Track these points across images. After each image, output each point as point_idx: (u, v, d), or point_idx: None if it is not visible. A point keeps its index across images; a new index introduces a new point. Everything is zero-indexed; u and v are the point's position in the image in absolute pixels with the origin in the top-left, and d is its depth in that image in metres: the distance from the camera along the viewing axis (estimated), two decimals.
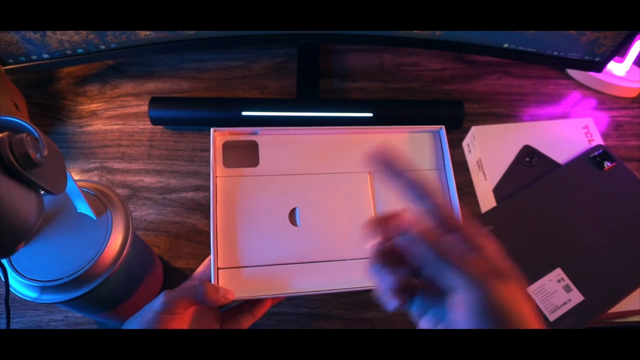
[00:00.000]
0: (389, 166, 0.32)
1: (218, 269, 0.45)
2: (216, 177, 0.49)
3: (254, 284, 0.45)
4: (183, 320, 0.41)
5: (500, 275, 0.28)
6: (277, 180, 0.49)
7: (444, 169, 0.51)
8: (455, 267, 0.28)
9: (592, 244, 0.56)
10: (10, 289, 0.42)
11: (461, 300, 0.28)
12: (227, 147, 0.50)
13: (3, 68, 0.67)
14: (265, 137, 0.50)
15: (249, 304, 0.48)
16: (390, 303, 0.32)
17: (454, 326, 0.29)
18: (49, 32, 0.63)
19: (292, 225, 0.47)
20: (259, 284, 0.45)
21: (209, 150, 0.71)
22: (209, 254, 0.62)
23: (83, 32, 0.64)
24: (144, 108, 0.75)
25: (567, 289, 0.54)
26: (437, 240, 0.29)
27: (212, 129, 0.49)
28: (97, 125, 0.74)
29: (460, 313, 0.28)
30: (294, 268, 0.46)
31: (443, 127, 0.52)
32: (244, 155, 0.50)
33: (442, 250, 0.29)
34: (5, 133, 0.31)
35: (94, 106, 0.76)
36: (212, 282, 0.44)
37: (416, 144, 0.52)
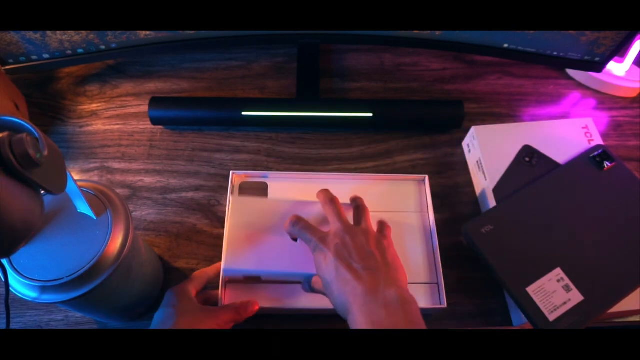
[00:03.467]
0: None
1: (225, 280, 0.56)
2: (232, 207, 0.59)
3: (252, 290, 0.55)
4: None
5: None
6: (281, 206, 0.59)
7: (427, 212, 0.61)
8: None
9: (592, 244, 0.56)
10: (10, 289, 0.42)
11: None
12: (243, 187, 0.62)
13: (3, 68, 0.67)
14: (273, 181, 0.62)
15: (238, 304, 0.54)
16: None
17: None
18: (49, 32, 0.63)
19: (292, 241, 0.56)
20: (256, 292, 0.55)
21: (209, 151, 0.71)
22: (209, 254, 0.63)
23: (83, 32, 0.64)
24: (144, 108, 0.75)
25: (567, 288, 0.54)
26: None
27: (231, 172, 0.61)
28: (97, 125, 0.74)
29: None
30: (286, 286, 0.56)
31: (427, 176, 0.63)
32: (256, 193, 0.62)
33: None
34: (6, 133, 0.31)
35: (94, 106, 0.76)
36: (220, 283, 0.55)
37: (404, 189, 0.63)
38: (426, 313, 0.58)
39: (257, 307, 0.52)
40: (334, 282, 0.45)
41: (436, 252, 0.58)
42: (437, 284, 0.56)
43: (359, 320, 0.41)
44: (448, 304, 0.55)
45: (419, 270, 0.57)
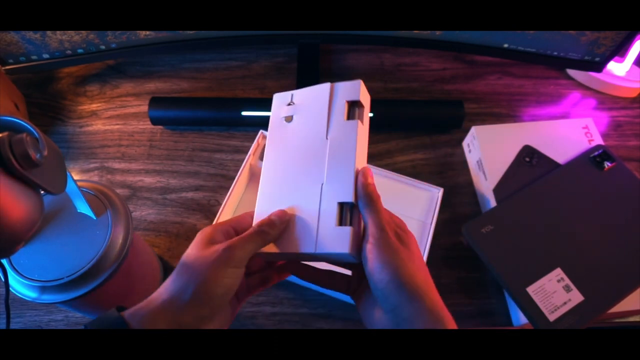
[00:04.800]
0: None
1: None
2: (250, 163, 0.61)
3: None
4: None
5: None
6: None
7: (430, 224, 0.61)
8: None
9: (592, 244, 0.56)
10: (10, 289, 0.42)
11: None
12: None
13: (3, 68, 0.67)
14: None
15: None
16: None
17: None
18: (49, 32, 0.63)
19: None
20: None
21: (209, 151, 0.71)
22: None
23: (83, 32, 0.64)
24: (144, 108, 0.75)
25: (567, 289, 0.54)
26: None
27: (260, 131, 0.64)
28: (97, 125, 0.74)
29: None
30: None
31: (442, 189, 0.62)
32: None
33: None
34: (5, 133, 0.31)
35: (94, 106, 0.76)
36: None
37: (415, 195, 0.63)
38: None
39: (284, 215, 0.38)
40: None
41: (425, 257, 0.57)
42: None
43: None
44: (448, 304, 0.55)
45: None
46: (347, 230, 0.36)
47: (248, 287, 0.40)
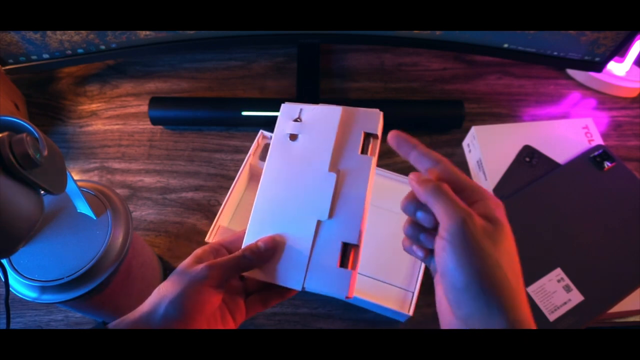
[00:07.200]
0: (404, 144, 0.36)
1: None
2: (250, 163, 0.61)
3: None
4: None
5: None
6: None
7: None
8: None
9: (592, 244, 0.56)
10: (10, 289, 0.42)
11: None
12: (266, 148, 0.61)
13: (3, 68, 0.67)
14: None
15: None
16: (418, 252, 0.36)
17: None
18: (49, 32, 0.63)
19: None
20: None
21: (209, 151, 0.71)
22: None
23: (83, 32, 0.64)
24: (144, 108, 0.75)
25: (567, 289, 0.54)
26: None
27: (260, 131, 0.64)
28: (97, 125, 0.74)
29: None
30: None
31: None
32: None
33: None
34: (5, 133, 0.31)
35: (94, 106, 0.76)
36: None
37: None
38: (393, 319, 0.58)
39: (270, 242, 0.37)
40: None
41: (422, 263, 0.58)
42: (412, 292, 0.57)
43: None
44: None
45: (400, 274, 0.57)
46: (349, 274, 0.34)
47: (247, 307, 0.40)
